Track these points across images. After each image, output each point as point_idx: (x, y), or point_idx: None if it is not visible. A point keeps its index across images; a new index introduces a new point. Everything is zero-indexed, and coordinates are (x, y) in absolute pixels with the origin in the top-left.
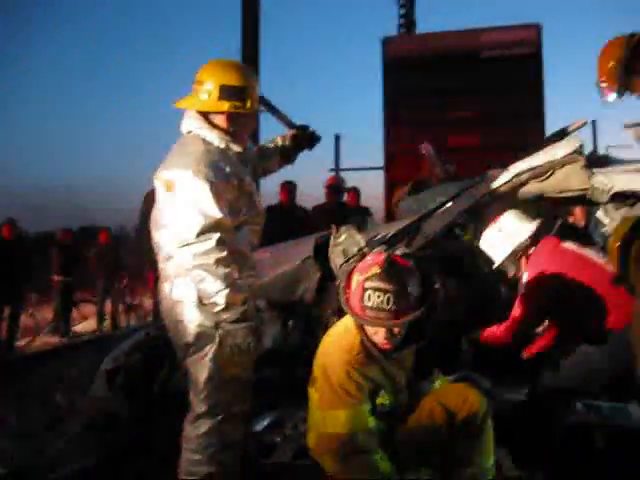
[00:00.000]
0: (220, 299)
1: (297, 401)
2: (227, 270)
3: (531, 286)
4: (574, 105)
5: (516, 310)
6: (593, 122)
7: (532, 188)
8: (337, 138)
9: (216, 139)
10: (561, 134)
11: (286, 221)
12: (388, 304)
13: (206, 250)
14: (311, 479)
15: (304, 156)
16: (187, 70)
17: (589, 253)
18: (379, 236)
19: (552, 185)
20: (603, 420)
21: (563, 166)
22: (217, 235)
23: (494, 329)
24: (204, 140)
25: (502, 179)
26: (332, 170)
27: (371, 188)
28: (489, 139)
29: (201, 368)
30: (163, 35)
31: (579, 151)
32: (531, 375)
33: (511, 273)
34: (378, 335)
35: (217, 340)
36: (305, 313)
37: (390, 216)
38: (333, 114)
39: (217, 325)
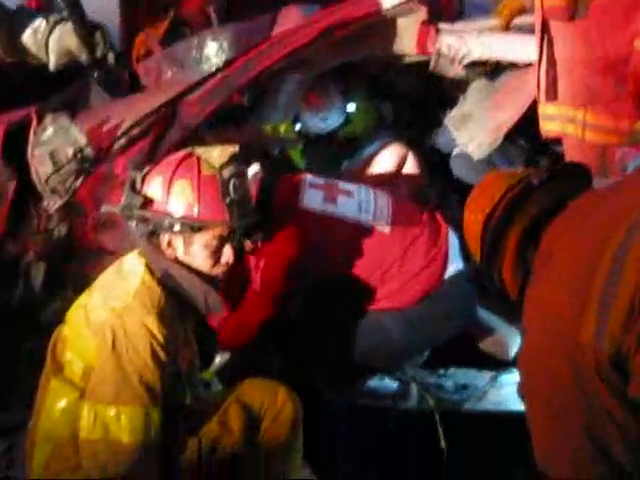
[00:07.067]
0: None
1: None
2: None
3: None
4: None
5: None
6: None
7: (349, 50)
8: None
9: None
10: None
11: None
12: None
13: None
14: None
15: None
16: None
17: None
18: (123, 126)
19: (378, 45)
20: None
21: (394, 19)
22: None
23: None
24: None
25: (305, 34)
26: None
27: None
28: None
29: None
30: None
31: None
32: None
33: None
34: (225, 253)
35: None
36: None
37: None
38: None
39: None
